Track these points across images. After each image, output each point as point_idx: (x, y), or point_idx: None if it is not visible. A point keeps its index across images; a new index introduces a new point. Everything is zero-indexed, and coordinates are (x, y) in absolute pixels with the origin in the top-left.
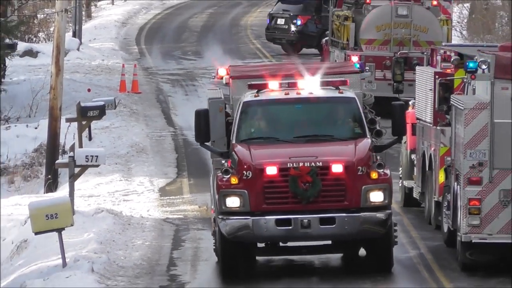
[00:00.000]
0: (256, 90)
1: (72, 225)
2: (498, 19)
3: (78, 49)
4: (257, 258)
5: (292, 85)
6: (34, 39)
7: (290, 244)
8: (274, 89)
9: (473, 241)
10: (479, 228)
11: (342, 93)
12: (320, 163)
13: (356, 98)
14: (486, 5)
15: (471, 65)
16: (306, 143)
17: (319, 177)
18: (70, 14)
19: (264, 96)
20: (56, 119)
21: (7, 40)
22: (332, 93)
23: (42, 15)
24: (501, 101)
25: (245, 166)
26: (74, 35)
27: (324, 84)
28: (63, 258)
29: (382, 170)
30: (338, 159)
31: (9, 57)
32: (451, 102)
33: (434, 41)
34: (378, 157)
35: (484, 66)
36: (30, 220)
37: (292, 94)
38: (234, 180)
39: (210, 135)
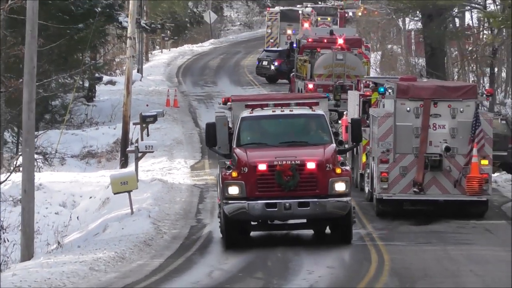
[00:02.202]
0: (251, 109)
1: (136, 188)
2: (399, 61)
3: (140, 80)
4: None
5: (277, 105)
6: (113, 73)
7: (276, 222)
8: (264, 108)
9: (383, 198)
10: (387, 190)
11: (314, 111)
12: (298, 161)
13: (325, 114)
14: (391, 53)
15: (382, 89)
16: (288, 147)
17: (297, 171)
18: (136, 58)
19: (257, 113)
20: (127, 123)
21: (96, 75)
22: (306, 111)
23: (118, 59)
24: (400, 111)
25: (242, 163)
26: (138, 71)
27: (301, 105)
28: (131, 208)
29: (344, 167)
30: (311, 158)
31: (97, 85)
32: (369, 112)
33: (359, 75)
34: (341, 158)
35: (390, 90)
36: (110, 185)
37: (278, 112)
38: (234, 174)
39: (216, 141)
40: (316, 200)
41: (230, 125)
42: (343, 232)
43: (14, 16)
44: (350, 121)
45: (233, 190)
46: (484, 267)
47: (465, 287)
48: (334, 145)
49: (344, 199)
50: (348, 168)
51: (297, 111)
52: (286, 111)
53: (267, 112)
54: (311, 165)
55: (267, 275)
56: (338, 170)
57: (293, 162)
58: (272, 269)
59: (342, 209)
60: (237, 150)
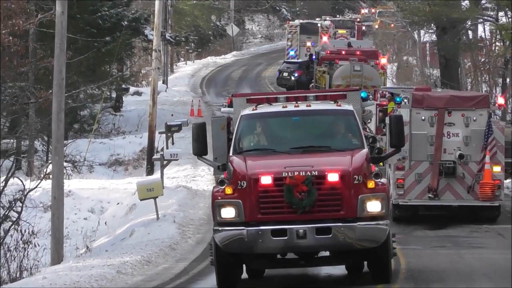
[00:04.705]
0: (255, 105)
1: (162, 195)
2: (414, 72)
3: (165, 91)
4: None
5: (291, 99)
6: (140, 85)
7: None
8: (272, 103)
9: (399, 203)
10: (403, 196)
11: (340, 106)
12: (316, 172)
13: (354, 111)
14: (406, 65)
15: (398, 99)
16: (303, 153)
17: (314, 186)
18: (161, 70)
19: (262, 109)
20: (153, 132)
21: (123, 86)
22: (330, 106)
23: (144, 71)
24: (416, 120)
25: (239, 176)
26: (163, 82)
27: (322, 98)
28: (157, 214)
29: (379, 180)
30: (334, 168)
31: (124, 95)
32: (386, 121)
33: (376, 85)
34: (376, 168)
35: (405, 100)
36: (137, 192)
37: (290, 107)
38: (228, 190)
39: (206, 148)
40: (340, 224)
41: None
42: (377, 267)
43: (43, 29)
44: (389, 119)
45: (227, 212)
46: (497, 271)
47: None
48: (366, 150)
49: (380, 223)
50: (384, 181)
51: (317, 106)
52: (302, 107)
53: (276, 108)
54: (333, 177)
55: (286, 277)
56: (371, 184)
57: (308, 173)
58: (291, 271)
59: (377, 238)
60: (234, 158)
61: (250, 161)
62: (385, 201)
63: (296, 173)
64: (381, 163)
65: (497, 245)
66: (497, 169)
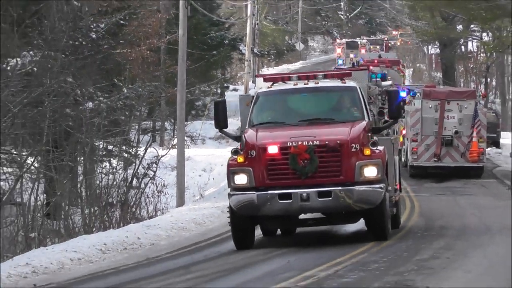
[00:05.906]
0: (271, 83)
1: None
2: (424, 74)
3: (254, 88)
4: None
5: (302, 78)
6: (236, 84)
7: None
8: (286, 81)
9: (414, 165)
10: (416, 159)
11: (345, 83)
12: (318, 141)
13: (358, 87)
14: (419, 70)
15: (413, 93)
16: (308, 125)
17: (316, 154)
18: (250, 74)
19: (275, 87)
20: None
21: (225, 85)
22: (335, 83)
23: (239, 74)
24: (425, 108)
25: (250, 146)
26: (252, 82)
27: (330, 77)
28: None
29: (375, 148)
30: (333, 137)
31: (226, 91)
32: (405, 108)
33: (398, 84)
34: (375, 138)
35: (418, 94)
36: None
37: (300, 85)
38: (240, 159)
39: (227, 123)
40: (340, 188)
41: None
42: (375, 227)
43: (170, 46)
44: (387, 94)
45: (240, 178)
46: (481, 211)
47: (468, 224)
48: (365, 122)
49: (376, 186)
50: (381, 148)
51: (323, 83)
52: (311, 84)
53: (288, 86)
54: (332, 146)
55: (308, 234)
56: (367, 152)
57: (310, 142)
58: (317, 229)
59: (373, 199)
60: (247, 131)
61: (260, 133)
62: (380, 167)
63: (299, 143)
64: (401, 137)
65: (481, 193)
66: (481, 141)
